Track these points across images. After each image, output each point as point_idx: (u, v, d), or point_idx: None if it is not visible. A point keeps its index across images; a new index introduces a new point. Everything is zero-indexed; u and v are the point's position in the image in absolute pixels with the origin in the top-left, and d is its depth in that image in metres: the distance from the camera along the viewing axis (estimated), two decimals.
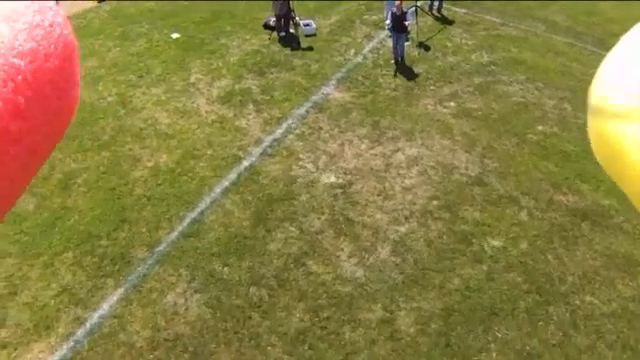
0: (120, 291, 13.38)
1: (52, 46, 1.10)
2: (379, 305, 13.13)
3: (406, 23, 19.68)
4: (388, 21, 20.10)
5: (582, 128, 17.22)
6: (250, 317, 12.89)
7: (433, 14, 23.59)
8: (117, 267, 13.92)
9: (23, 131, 1.02)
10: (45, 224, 14.90)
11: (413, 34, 21.91)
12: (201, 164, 16.55)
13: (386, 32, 22.10)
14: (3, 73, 0.98)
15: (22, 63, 1.01)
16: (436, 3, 23.66)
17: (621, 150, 1.12)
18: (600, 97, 1.18)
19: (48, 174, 16.12)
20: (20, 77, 1.00)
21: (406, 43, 20.72)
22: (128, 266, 13.95)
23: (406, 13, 19.79)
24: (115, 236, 14.63)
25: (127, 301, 13.20)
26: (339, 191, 15.74)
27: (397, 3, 19.46)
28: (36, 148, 1.09)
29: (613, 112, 1.11)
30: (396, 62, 20.62)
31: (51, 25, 1.12)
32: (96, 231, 14.73)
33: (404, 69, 20.38)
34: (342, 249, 14.32)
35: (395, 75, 20.18)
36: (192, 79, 19.90)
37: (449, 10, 23.88)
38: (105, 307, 13.07)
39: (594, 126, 1.22)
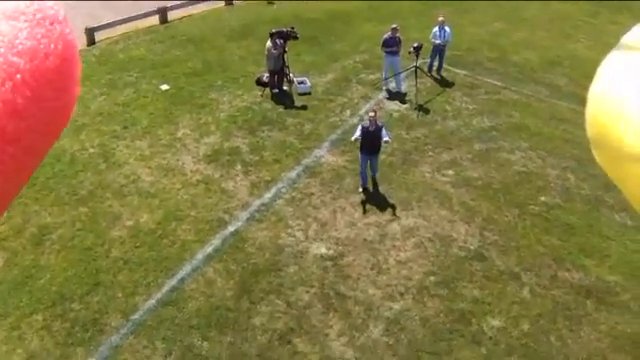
0: None
1: (52, 45, 1.01)
2: None
3: (384, 139, 16.54)
4: (356, 135, 16.59)
5: (586, 199, 17.28)
6: None
7: (432, 75, 22.87)
8: (88, 334, 13.10)
9: (21, 131, 0.96)
10: (15, 282, 14.15)
11: (412, 96, 21.35)
12: (183, 227, 15.75)
13: (384, 93, 21.46)
14: (2, 72, 0.94)
15: (21, 62, 0.96)
16: (436, 64, 22.99)
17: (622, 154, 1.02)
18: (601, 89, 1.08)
19: (22, 227, 15.46)
20: (19, 76, 0.95)
21: (387, 139, 16.67)
22: (100, 334, 13.13)
23: (381, 128, 16.54)
24: (88, 300, 13.81)
25: None
26: (329, 263, 14.95)
27: (371, 115, 16.55)
28: (33, 148, 1.01)
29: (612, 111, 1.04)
30: (364, 190, 17.24)
31: (52, 24, 1.02)
32: (68, 293, 13.94)
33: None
34: (331, 326, 13.52)
35: (364, 208, 16.78)
36: (179, 134, 19.13)
37: (449, 71, 23.22)
38: None
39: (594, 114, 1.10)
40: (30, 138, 0.99)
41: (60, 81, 1.03)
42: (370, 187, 16.99)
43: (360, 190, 17.06)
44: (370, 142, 16.49)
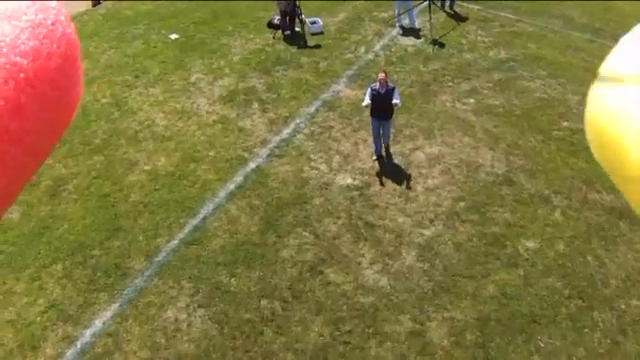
0: (115, 306, 12.19)
1: (54, 45, 1.03)
2: (407, 316, 11.98)
3: (394, 102, 14.67)
4: (366, 101, 14.82)
5: None
6: (262, 333, 11.71)
7: (446, 11, 22.34)
8: (111, 280, 12.73)
9: (23, 130, 0.97)
10: (32, 234, 13.75)
11: (426, 31, 20.87)
12: (203, 167, 15.33)
13: (397, 29, 20.95)
14: (5, 71, 0.95)
15: (24, 62, 0.97)
16: (448, 1, 22.41)
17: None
18: (609, 69, 1.11)
19: (36, 180, 14.94)
20: (22, 75, 0.96)
21: (397, 102, 14.74)
22: (123, 278, 12.76)
23: (393, 90, 14.80)
24: (108, 245, 13.44)
25: (122, 317, 12.02)
26: (356, 193, 14.56)
27: (381, 76, 14.72)
28: (35, 148, 1.02)
29: (616, 78, 1.07)
30: (379, 157, 15.73)
31: (53, 24, 1.04)
32: (88, 241, 13.55)
33: (390, 164, 15.67)
34: (363, 255, 13.17)
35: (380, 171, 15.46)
36: (192, 79, 18.63)
37: (462, 7, 22.72)
38: (98, 324, 11.88)
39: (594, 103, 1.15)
40: (32, 138, 0.99)
41: (62, 80, 1.04)
42: (384, 154, 15.74)
43: (374, 158, 15.63)
44: (381, 106, 14.75)
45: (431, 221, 13.93)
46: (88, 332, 11.67)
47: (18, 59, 0.95)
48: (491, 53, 20.13)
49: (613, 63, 1.09)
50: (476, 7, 22.80)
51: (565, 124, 16.75)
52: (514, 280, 12.62)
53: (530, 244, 13.38)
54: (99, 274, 12.79)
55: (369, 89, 14.81)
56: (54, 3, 1.05)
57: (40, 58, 0.98)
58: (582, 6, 23.14)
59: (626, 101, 1.01)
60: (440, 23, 21.57)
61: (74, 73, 1.08)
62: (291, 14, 20.44)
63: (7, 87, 0.92)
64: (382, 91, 14.60)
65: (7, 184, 0.98)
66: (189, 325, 11.77)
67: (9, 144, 0.94)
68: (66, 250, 13.30)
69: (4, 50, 0.95)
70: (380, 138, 15.43)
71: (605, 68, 1.10)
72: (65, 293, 12.43)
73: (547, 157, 15.67)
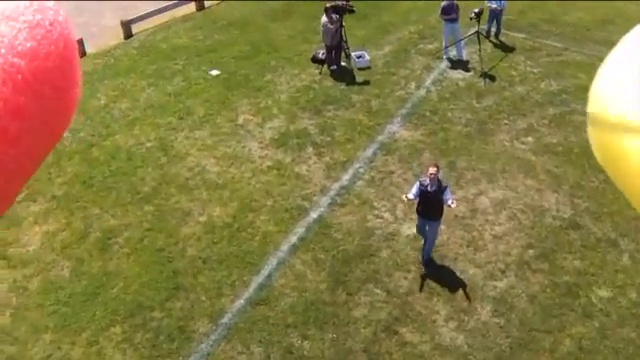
0: None
1: (52, 45, 1.10)
2: None
3: (447, 202, 12.70)
4: (412, 194, 12.92)
5: None
6: None
7: (492, 41, 21.78)
8: (175, 344, 12.23)
9: (22, 131, 1.03)
10: (85, 293, 13.23)
11: (475, 63, 20.38)
12: (262, 217, 14.74)
13: (446, 62, 20.38)
14: (3, 73, 1.01)
15: (22, 62, 1.03)
16: (493, 29, 22.11)
17: (622, 159, 1.19)
18: (599, 106, 1.24)
19: (84, 232, 14.58)
20: (20, 76, 1.02)
21: (451, 204, 12.69)
22: (188, 342, 12.26)
23: (445, 189, 12.89)
24: (169, 306, 12.90)
25: None
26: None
27: (431, 170, 12.76)
28: (34, 149, 1.09)
29: (612, 123, 1.17)
30: (425, 264, 13.73)
31: (51, 24, 1.12)
32: (147, 301, 13.02)
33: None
34: (437, 312, 12.82)
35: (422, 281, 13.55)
36: (240, 120, 17.97)
37: (507, 36, 22.19)
38: None
39: (595, 134, 1.29)
40: (31, 138, 1.05)
41: (60, 81, 1.09)
42: (421, 264, 13.80)
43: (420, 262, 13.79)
44: (429, 205, 12.97)
45: (502, 272, 13.59)
46: None
47: (16, 60, 0.99)
48: (542, 85, 19.64)
49: (608, 99, 1.17)
50: (521, 36, 22.29)
51: None
52: (590, 332, 12.31)
53: (603, 293, 13.07)
54: (162, 338, 12.27)
55: (417, 183, 13.04)
56: (51, 3, 1.09)
57: (38, 59, 1.02)
58: (623, 31, 22.50)
59: (628, 109, 1.09)
60: (488, 54, 21.06)
61: (72, 73, 1.11)
62: (337, 48, 19.92)
63: (5, 88, 0.96)
64: (431, 189, 12.76)
65: (7, 184, 1.02)
66: None
67: (8, 144, 0.98)
68: (124, 311, 12.78)
69: (2, 51, 0.98)
70: (425, 245, 13.70)
71: (599, 102, 1.19)
72: (126, 359, 11.91)
73: (611, 198, 15.17)
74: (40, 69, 1.00)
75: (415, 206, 13.35)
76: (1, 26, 1.00)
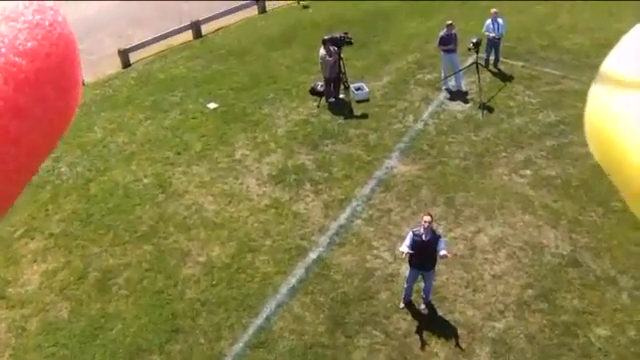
0: None
1: (53, 46, 1.06)
2: None
3: (441, 254, 12.40)
4: (406, 246, 12.57)
5: None
6: None
7: (490, 70, 21.80)
8: None
9: (23, 131, 1.01)
10: (84, 335, 13.21)
11: (473, 94, 20.39)
12: (260, 258, 14.71)
13: (444, 93, 20.37)
14: (4, 72, 0.98)
15: (24, 62, 1.00)
16: (492, 58, 22.12)
17: (621, 155, 1.04)
18: (599, 105, 1.09)
19: (83, 272, 14.56)
20: (22, 76, 0.99)
21: (445, 253, 12.45)
22: None
23: (439, 238, 12.65)
24: (169, 349, 12.87)
25: None
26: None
27: (426, 219, 12.59)
28: (35, 149, 1.06)
29: (612, 121, 1.05)
30: (407, 304, 13.70)
31: (51, 24, 1.07)
32: (145, 344, 13.00)
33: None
34: (436, 354, 12.82)
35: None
36: (237, 155, 17.97)
37: (506, 64, 22.24)
38: None
39: (593, 133, 1.13)
40: (32, 138, 1.01)
41: (61, 81, 1.05)
42: (419, 307, 13.79)
43: (402, 306, 13.62)
44: (424, 255, 12.64)
45: (501, 312, 13.55)
46: None
47: (17, 59, 0.96)
48: (540, 116, 19.62)
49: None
50: (520, 64, 22.34)
51: None
52: None
53: (601, 332, 13.02)
54: None
55: (410, 233, 12.71)
56: (51, 3, 1.06)
57: (39, 59, 0.99)
58: None
59: (628, 106, 0.97)
60: (487, 84, 21.06)
61: (73, 73, 1.08)
62: (335, 81, 19.89)
63: (7, 87, 0.94)
64: (426, 238, 12.43)
65: (7, 185, 0.99)
66: None
67: (9, 145, 0.96)
68: (123, 354, 12.78)
69: (3, 50, 0.95)
70: (413, 286, 13.58)
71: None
72: None
73: (609, 233, 15.20)
74: (42, 69, 1.00)
75: (408, 258, 12.90)
76: (1, 26, 0.99)
